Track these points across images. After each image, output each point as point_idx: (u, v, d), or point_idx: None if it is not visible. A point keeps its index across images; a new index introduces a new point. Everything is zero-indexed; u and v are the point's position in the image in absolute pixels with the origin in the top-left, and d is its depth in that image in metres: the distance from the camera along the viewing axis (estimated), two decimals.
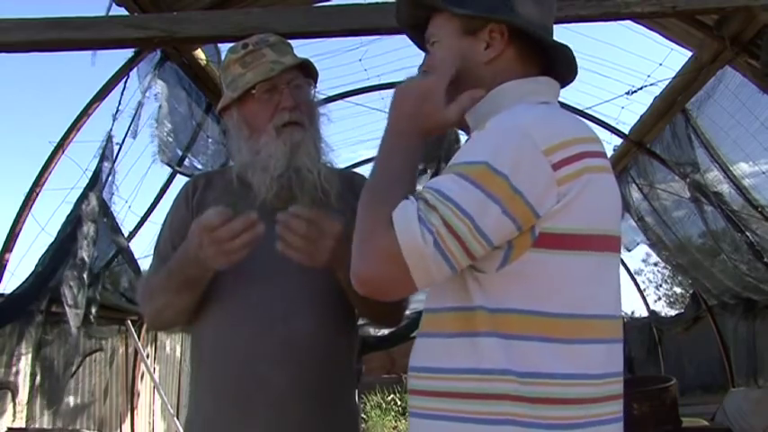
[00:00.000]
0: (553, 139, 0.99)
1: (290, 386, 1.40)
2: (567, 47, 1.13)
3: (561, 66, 1.16)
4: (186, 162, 4.56)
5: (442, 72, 1.11)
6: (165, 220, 1.62)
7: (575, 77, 1.19)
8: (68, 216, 3.90)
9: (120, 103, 3.83)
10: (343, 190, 1.55)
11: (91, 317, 4.33)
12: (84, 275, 3.97)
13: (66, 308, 3.90)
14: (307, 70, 1.58)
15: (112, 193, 4.25)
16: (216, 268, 1.35)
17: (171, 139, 4.16)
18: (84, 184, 3.95)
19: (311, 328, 1.43)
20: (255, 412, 1.40)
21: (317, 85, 1.63)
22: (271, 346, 1.41)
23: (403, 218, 0.95)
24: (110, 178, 4.05)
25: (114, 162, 4.09)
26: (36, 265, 3.85)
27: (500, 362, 0.97)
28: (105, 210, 4.34)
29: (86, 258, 3.90)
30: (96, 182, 3.96)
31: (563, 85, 1.20)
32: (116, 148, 4.02)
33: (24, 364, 4.08)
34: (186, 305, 1.47)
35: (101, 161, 3.93)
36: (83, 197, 3.91)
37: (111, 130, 3.88)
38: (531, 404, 0.95)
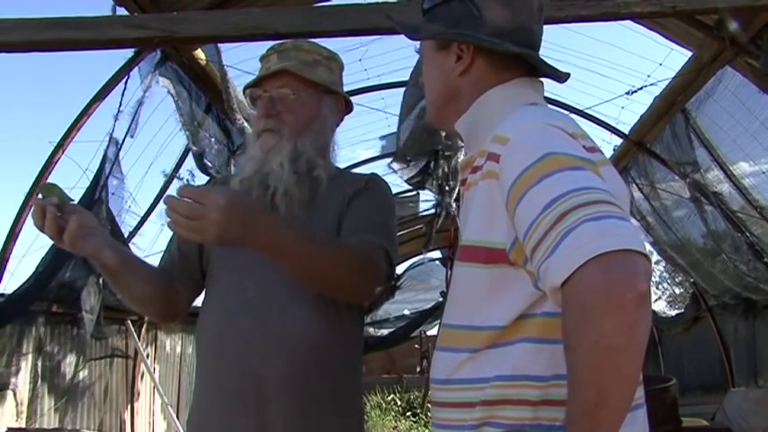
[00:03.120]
0: (574, 129, 1.01)
1: (281, 380, 1.40)
2: (528, 53, 1.13)
3: (543, 65, 1.16)
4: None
5: None
6: None
7: (563, 74, 1.19)
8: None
9: (120, 104, 3.84)
10: (339, 191, 1.55)
11: (100, 319, 4.34)
12: (100, 281, 3.97)
13: (84, 314, 3.91)
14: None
15: (113, 193, 4.26)
16: (76, 251, 1.41)
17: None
18: (86, 185, 3.96)
19: (306, 323, 1.44)
20: (248, 405, 1.41)
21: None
22: (265, 339, 1.42)
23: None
24: (110, 179, 4.04)
25: (114, 162, 4.09)
26: (37, 266, 3.85)
27: (530, 367, 0.97)
28: (106, 211, 4.35)
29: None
30: (98, 183, 3.96)
31: (560, 82, 1.20)
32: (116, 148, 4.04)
33: (25, 364, 4.08)
34: (125, 293, 1.54)
35: (102, 162, 3.93)
36: (85, 199, 3.91)
37: (112, 131, 3.88)
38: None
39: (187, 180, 4.68)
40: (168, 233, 1.63)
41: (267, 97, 1.55)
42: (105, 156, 3.94)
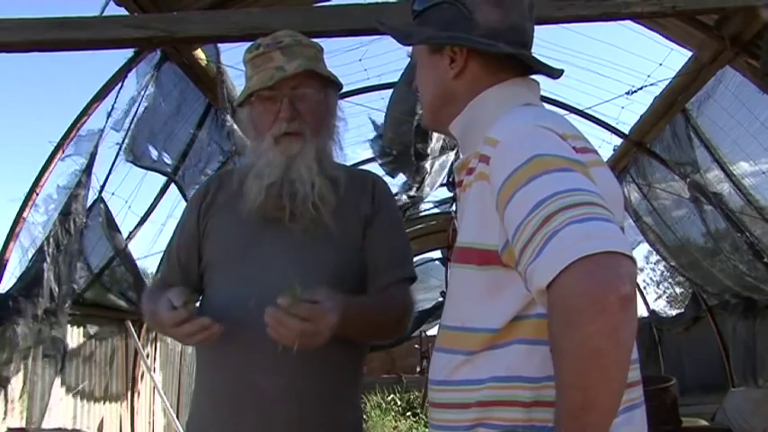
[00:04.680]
0: (564, 129, 1.01)
1: (281, 395, 1.40)
2: (522, 53, 1.12)
3: (537, 64, 1.15)
4: (189, 162, 4.57)
5: None
6: (178, 223, 1.66)
7: (557, 71, 1.18)
8: (60, 214, 3.88)
9: (115, 103, 3.83)
10: (348, 196, 1.54)
11: (66, 311, 4.21)
12: (44, 267, 3.86)
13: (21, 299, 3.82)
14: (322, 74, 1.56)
15: (113, 193, 4.27)
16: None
17: (146, 138, 4.15)
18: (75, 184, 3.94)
19: None
20: (248, 420, 1.41)
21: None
22: (265, 354, 1.39)
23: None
24: (93, 177, 4.01)
25: (114, 164, 4.10)
26: (29, 265, 3.83)
27: (524, 369, 0.97)
28: (103, 210, 4.34)
29: (47, 250, 3.82)
30: (87, 180, 3.93)
31: (554, 78, 1.20)
32: (116, 147, 4.03)
33: (22, 363, 4.07)
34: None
35: (91, 160, 3.90)
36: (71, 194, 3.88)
37: (104, 128, 3.86)
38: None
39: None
40: (166, 235, 1.61)
41: (288, 100, 1.48)
42: (93, 155, 3.90)
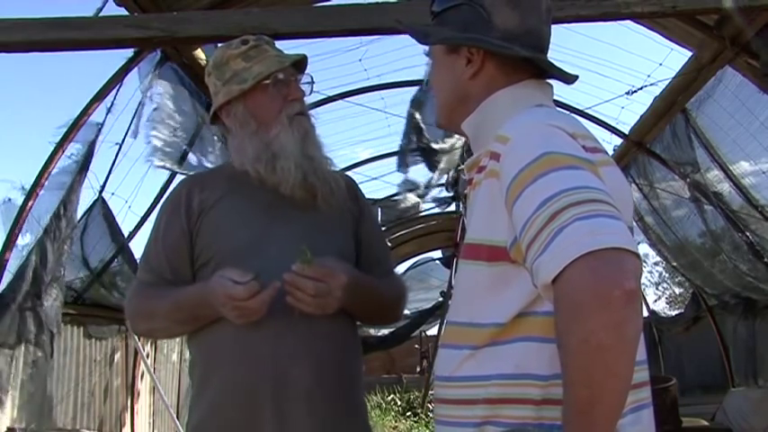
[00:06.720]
0: (575, 129, 1.01)
1: (316, 381, 1.43)
2: (538, 56, 1.13)
3: (552, 68, 1.16)
4: (194, 161, 4.56)
5: None
6: (155, 229, 1.58)
7: (572, 76, 1.19)
8: (54, 213, 3.88)
9: (113, 102, 3.82)
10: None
11: (55, 297, 4.17)
12: (31, 257, 3.82)
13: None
14: (299, 67, 1.63)
15: (113, 193, 4.27)
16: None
17: (168, 142, 4.14)
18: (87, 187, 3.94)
19: (329, 325, 1.46)
20: (286, 409, 1.41)
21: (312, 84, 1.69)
22: (295, 343, 1.43)
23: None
24: (92, 175, 4.00)
25: (113, 164, 4.10)
26: (22, 264, 3.82)
27: (532, 366, 0.97)
28: (105, 209, 4.34)
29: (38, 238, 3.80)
30: (82, 176, 3.93)
31: (568, 83, 1.22)
32: (116, 147, 4.04)
33: (21, 363, 4.06)
34: (184, 333, 1.57)
35: (88, 155, 3.89)
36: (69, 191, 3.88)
37: (102, 124, 3.85)
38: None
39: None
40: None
41: (296, 81, 1.57)
42: (90, 151, 3.89)
